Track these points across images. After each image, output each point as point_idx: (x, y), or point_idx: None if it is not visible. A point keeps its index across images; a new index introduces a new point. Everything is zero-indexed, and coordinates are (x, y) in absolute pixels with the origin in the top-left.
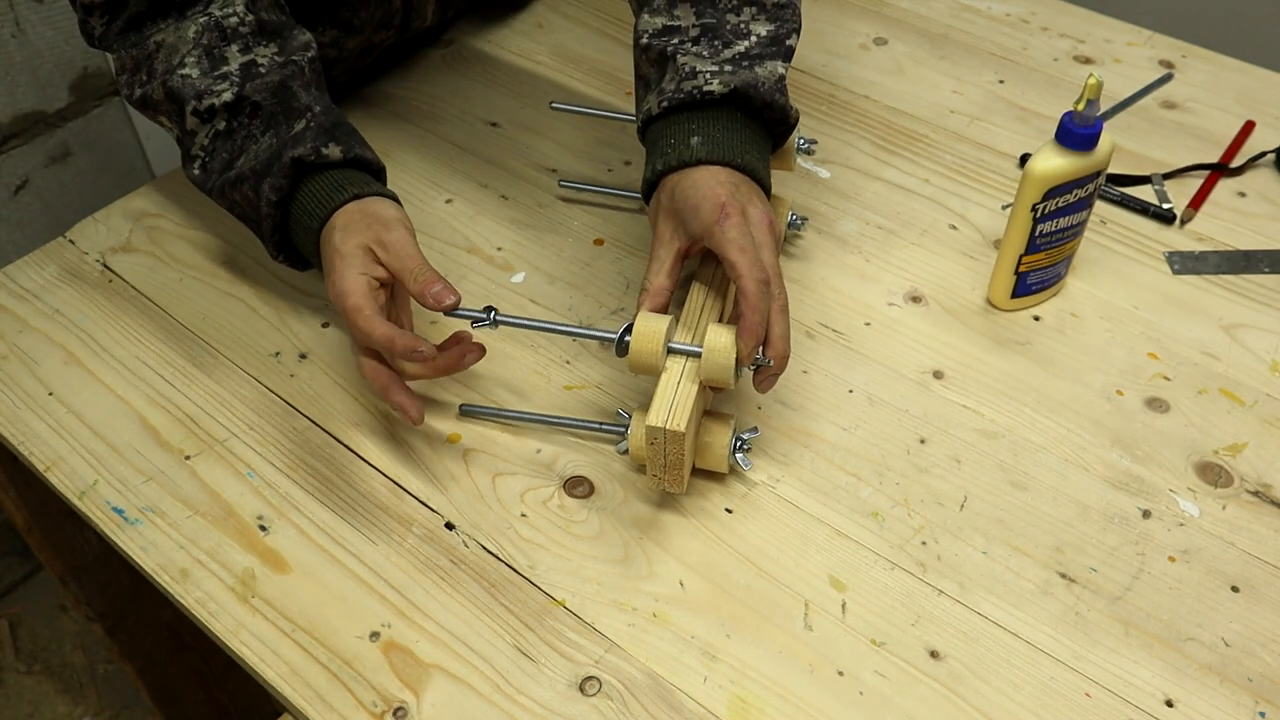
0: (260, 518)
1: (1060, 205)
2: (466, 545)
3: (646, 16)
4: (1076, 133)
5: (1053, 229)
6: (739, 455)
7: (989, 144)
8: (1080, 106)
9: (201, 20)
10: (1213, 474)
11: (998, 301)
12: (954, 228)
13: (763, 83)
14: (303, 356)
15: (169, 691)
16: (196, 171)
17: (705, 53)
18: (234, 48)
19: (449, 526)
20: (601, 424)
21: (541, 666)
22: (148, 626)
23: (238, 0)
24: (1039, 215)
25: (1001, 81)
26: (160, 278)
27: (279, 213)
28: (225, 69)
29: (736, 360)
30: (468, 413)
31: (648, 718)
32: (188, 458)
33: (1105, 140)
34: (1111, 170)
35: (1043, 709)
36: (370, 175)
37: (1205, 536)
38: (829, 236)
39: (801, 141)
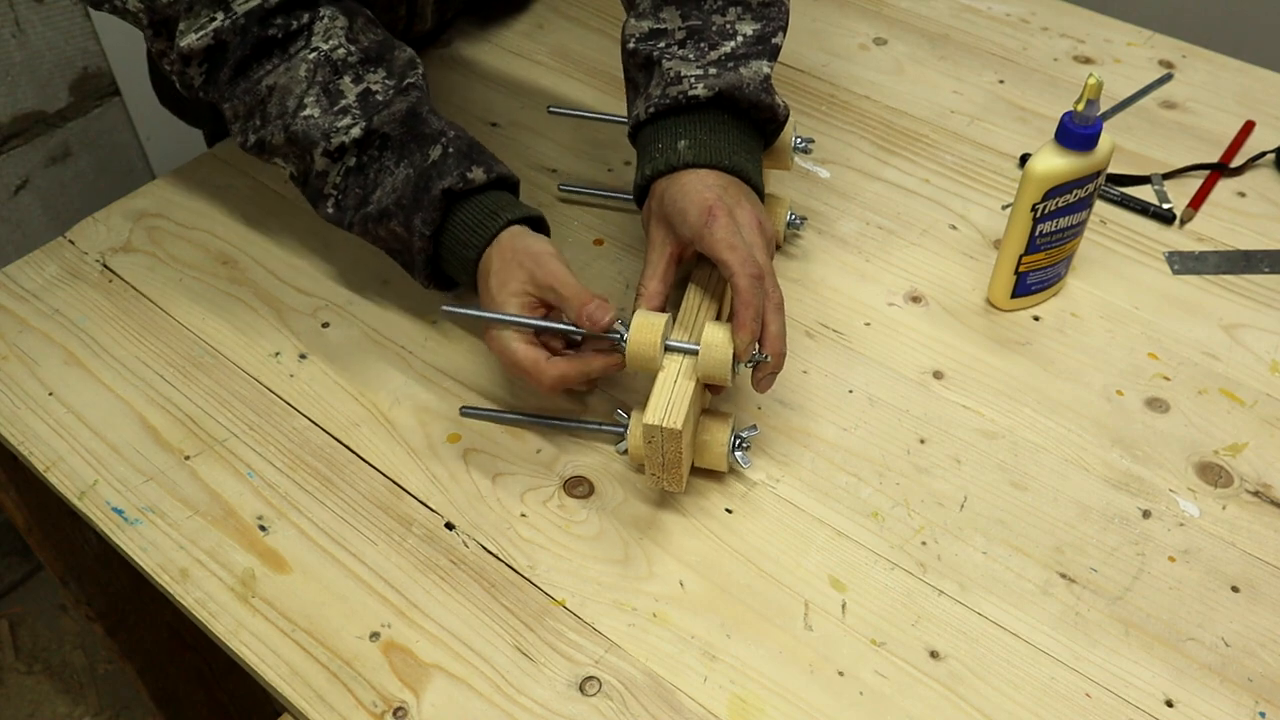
0: (260, 518)
1: (1060, 205)
2: (466, 545)
3: (633, 20)
4: (1076, 133)
5: (1053, 229)
6: (738, 454)
7: (989, 144)
8: (1080, 106)
9: (311, 57)
10: (1213, 474)
11: (998, 301)
12: (954, 228)
13: (747, 84)
14: (303, 356)
15: (169, 692)
16: (330, 210)
17: (691, 55)
18: (347, 79)
19: (449, 526)
20: (601, 424)
21: (541, 666)
22: (148, 627)
23: (338, 28)
24: (1039, 215)
25: (1001, 81)
26: (160, 278)
27: (432, 245)
28: (344, 102)
29: (734, 357)
30: (469, 414)
31: (648, 718)
32: (188, 458)
33: (1105, 140)
34: (1111, 170)
35: (1043, 709)
36: (511, 192)
37: (1205, 536)
38: (829, 236)
39: (798, 140)
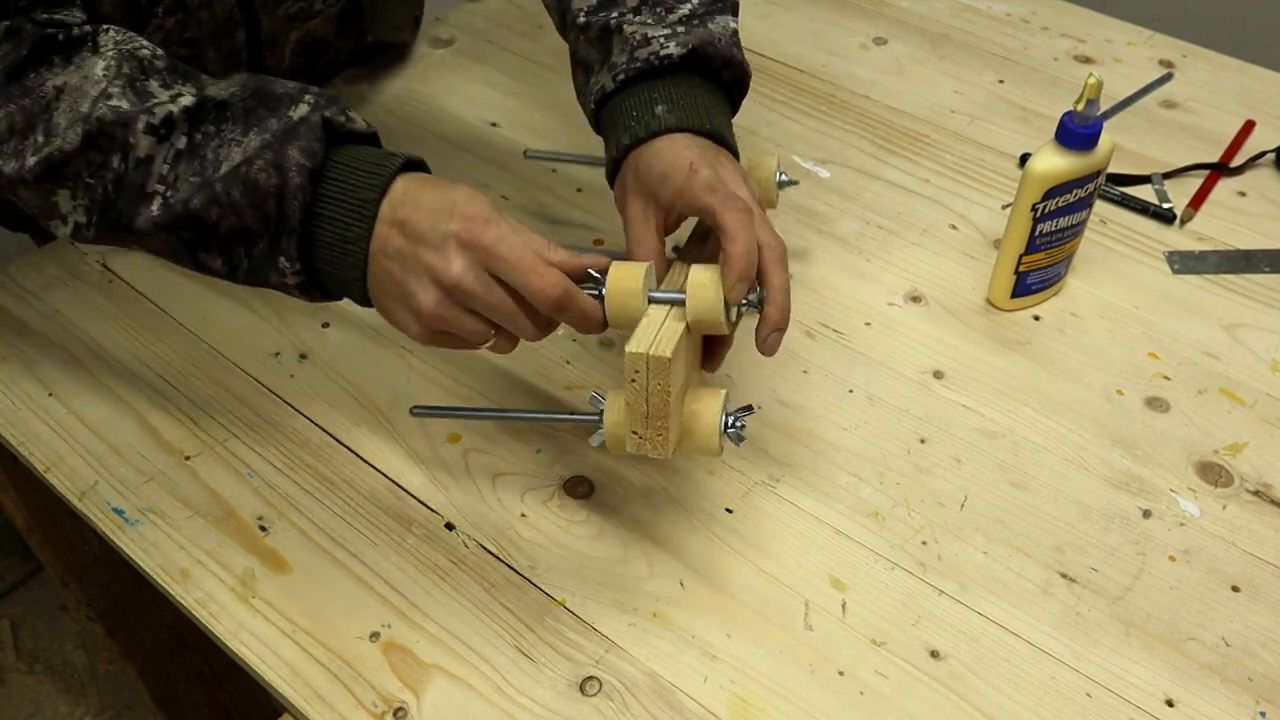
0: (260, 518)
1: (1060, 205)
2: (466, 545)
3: None
4: (1076, 132)
5: (1053, 229)
6: (730, 432)
7: (989, 144)
8: (1080, 106)
9: (110, 54)
10: (1213, 474)
11: (998, 301)
12: (954, 227)
13: (719, 39)
14: (303, 356)
15: (170, 692)
16: (156, 212)
17: (650, 20)
18: (154, 83)
19: (449, 527)
20: (573, 413)
21: (542, 667)
22: (148, 627)
23: (132, 37)
24: (1039, 215)
25: (1002, 81)
26: (160, 278)
27: (312, 187)
28: (154, 102)
29: (726, 303)
30: (420, 413)
31: (648, 718)
32: (188, 458)
33: (1105, 140)
34: (1111, 170)
35: (1043, 709)
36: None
37: (1206, 536)
38: (829, 236)
39: (782, 175)
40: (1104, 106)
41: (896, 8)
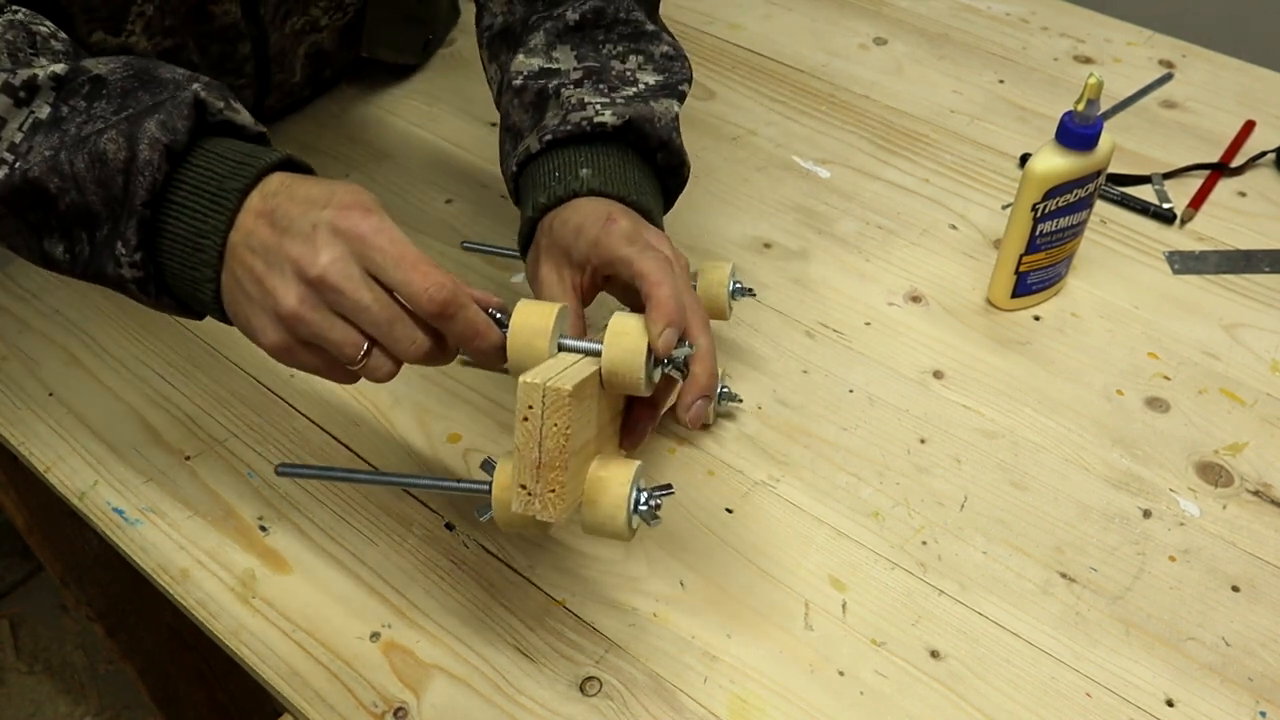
0: (260, 518)
1: (1060, 205)
2: (466, 546)
3: (521, 57)
4: (1077, 132)
5: (1053, 229)
6: (642, 509)
7: (989, 144)
8: (1080, 106)
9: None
10: (1213, 474)
11: (998, 301)
12: (954, 227)
13: (659, 118)
14: None
15: (170, 692)
16: None
17: (591, 92)
18: (41, 58)
19: (449, 527)
20: (460, 481)
21: (542, 667)
22: (148, 627)
23: (41, 18)
24: (1039, 215)
25: (1001, 81)
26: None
27: (168, 167)
28: (22, 67)
29: (650, 356)
30: (285, 473)
31: (648, 718)
32: (188, 458)
33: (1105, 140)
34: (1112, 170)
35: (1043, 709)
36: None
37: (1206, 536)
38: (829, 236)
39: (736, 284)
40: (1104, 106)
41: (896, 8)
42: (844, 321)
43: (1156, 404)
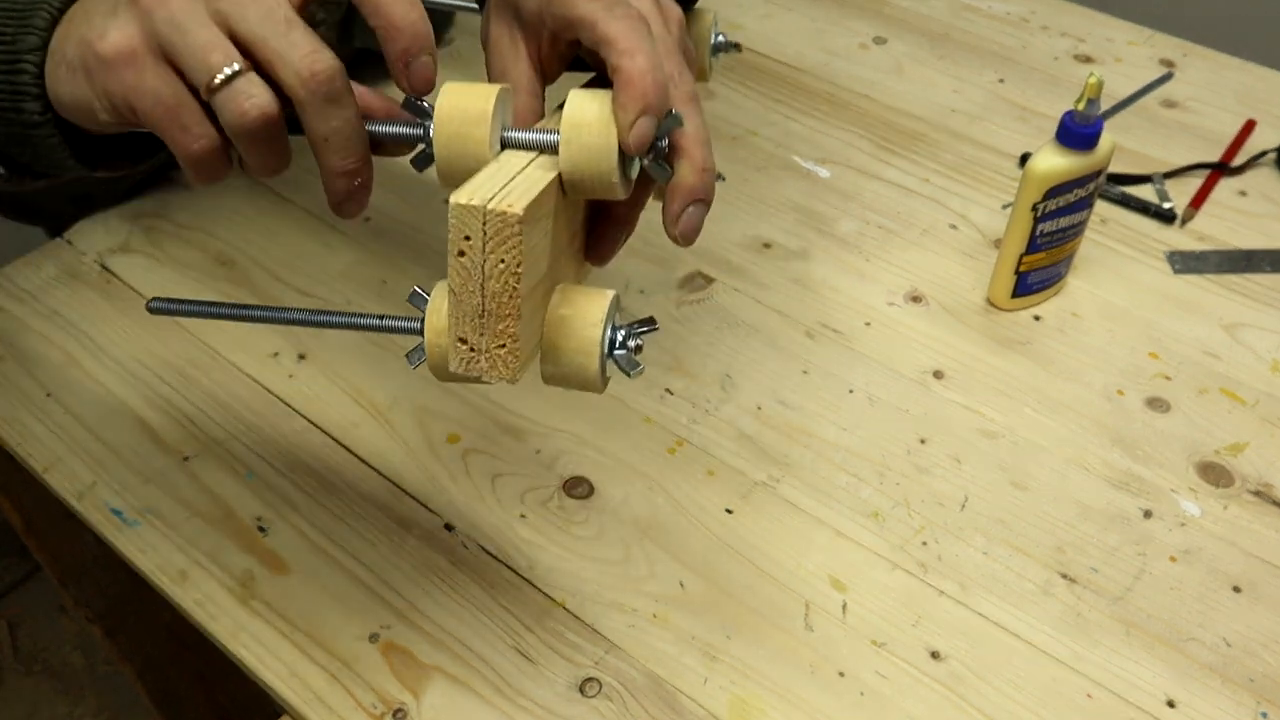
0: (259, 519)
1: (1061, 205)
2: (466, 546)
3: None
4: (1077, 132)
5: (1053, 228)
6: (620, 353)
7: (989, 143)
8: (1081, 106)
9: None
10: (1214, 474)
11: (998, 301)
12: (954, 227)
13: None
14: (301, 357)
15: (168, 693)
16: None
17: None
18: None
19: (448, 528)
20: (383, 317)
21: (541, 668)
22: (147, 628)
23: None
24: (1039, 215)
25: (1002, 81)
26: (159, 278)
27: None
28: None
29: (621, 149)
30: (158, 310)
31: (648, 719)
32: (186, 459)
33: (1106, 139)
34: (1112, 169)
35: (1044, 709)
36: None
37: (1206, 536)
38: (829, 236)
39: (719, 36)
40: (1104, 106)
41: (896, 7)
42: (844, 321)
43: (1157, 404)
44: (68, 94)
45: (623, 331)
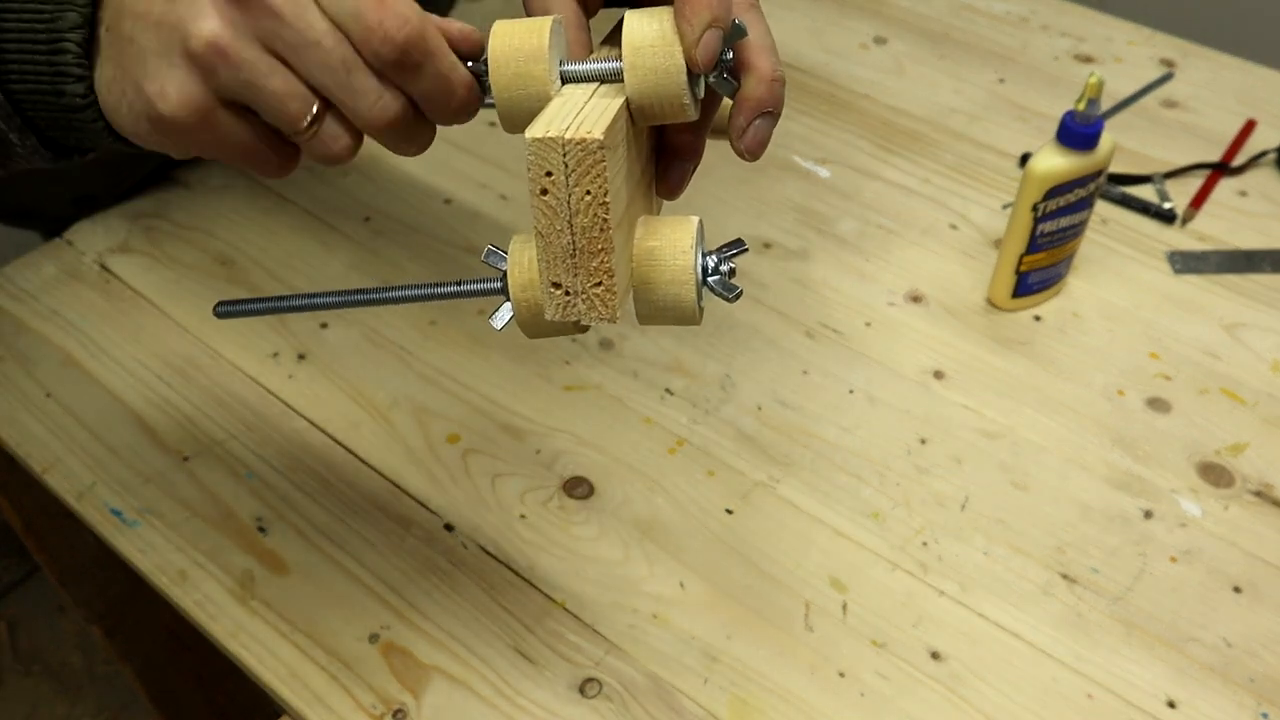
0: (259, 519)
1: (1061, 205)
2: (466, 547)
3: None
4: (1077, 132)
5: (1054, 228)
6: (714, 280)
7: (989, 143)
8: (1081, 106)
9: None
10: (1214, 474)
11: (998, 301)
12: (954, 227)
13: None
14: (301, 357)
15: (168, 693)
16: None
17: None
18: None
19: (448, 528)
20: (461, 282)
21: (541, 668)
22: (146, 628)
23: None
24: (1040, 215)
25: (1002, 81)
26: (158, 278)
27: None
28: None
29: (689, 66)
30: (226, 314)
31: (648, 719)
32: (186, 459)
33: (1106, 139)
34: (1112, 170)
35: (1044, 710)
36: None
37: (1207, 537)
38: (829, 236)
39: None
40: (1105, 106)
41: (896, 7)
42: (844, 321)
43: (1157, 404)
44: (129, 127)
45: (714, 257)
